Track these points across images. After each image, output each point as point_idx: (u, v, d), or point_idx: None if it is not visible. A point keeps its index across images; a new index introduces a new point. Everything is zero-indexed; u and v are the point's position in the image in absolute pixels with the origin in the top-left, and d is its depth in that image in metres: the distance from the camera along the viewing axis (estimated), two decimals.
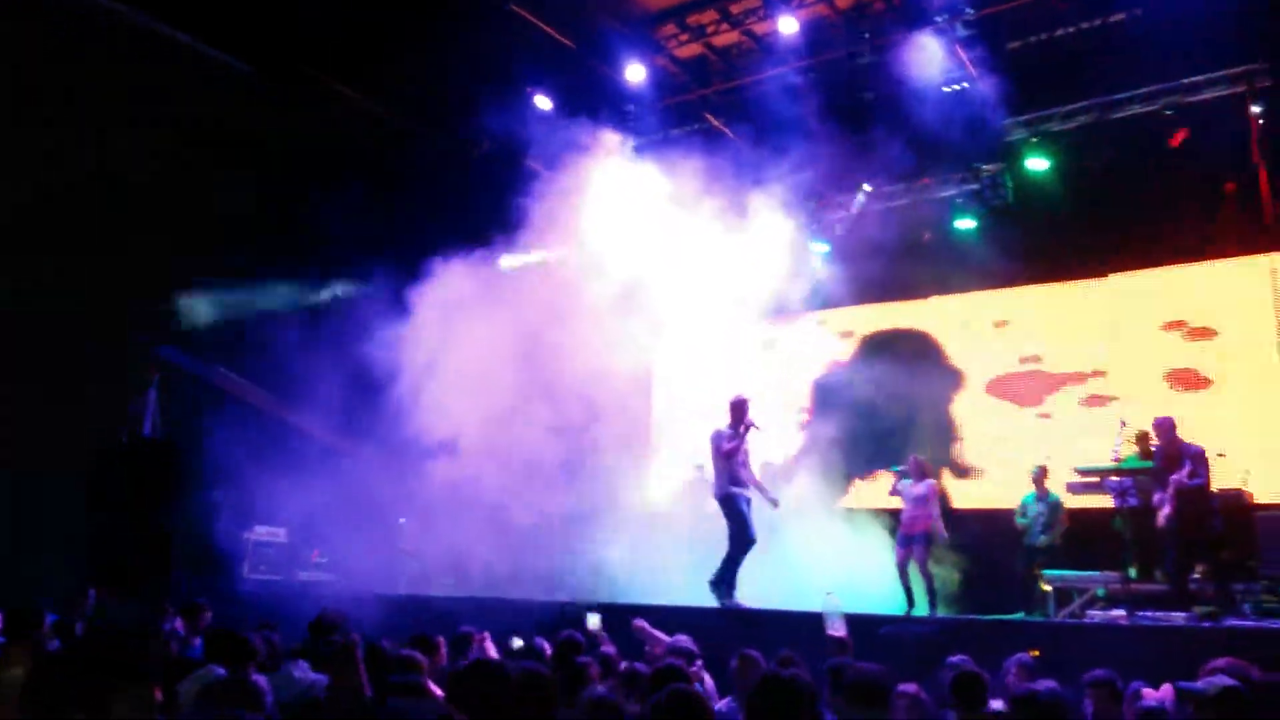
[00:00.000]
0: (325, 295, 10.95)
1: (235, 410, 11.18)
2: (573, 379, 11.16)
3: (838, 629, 5.27)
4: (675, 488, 12.87)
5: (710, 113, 13.53)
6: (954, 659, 4.62)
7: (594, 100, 12.47)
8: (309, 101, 12.76)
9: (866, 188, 12.89)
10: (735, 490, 8.84)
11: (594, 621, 6.79)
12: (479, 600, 9.49)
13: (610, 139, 12.06)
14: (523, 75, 12.55)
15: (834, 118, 12.24)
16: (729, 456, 8.83)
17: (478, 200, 12.60)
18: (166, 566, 10.75)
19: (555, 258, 12.09)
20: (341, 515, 10.85)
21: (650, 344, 12.37)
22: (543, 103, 12.84)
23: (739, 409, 9.01)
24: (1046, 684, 4.81)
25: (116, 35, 11.24)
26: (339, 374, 10.92)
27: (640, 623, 6.49)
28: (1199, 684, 3.68)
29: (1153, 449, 8.64)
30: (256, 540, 11.54)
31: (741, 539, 8.73)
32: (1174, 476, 7.92)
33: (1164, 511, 8.00)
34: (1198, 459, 7.99)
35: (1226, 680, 3.64)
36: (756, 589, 8.95)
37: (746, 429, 8.91)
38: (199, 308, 11.97)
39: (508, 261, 12.33)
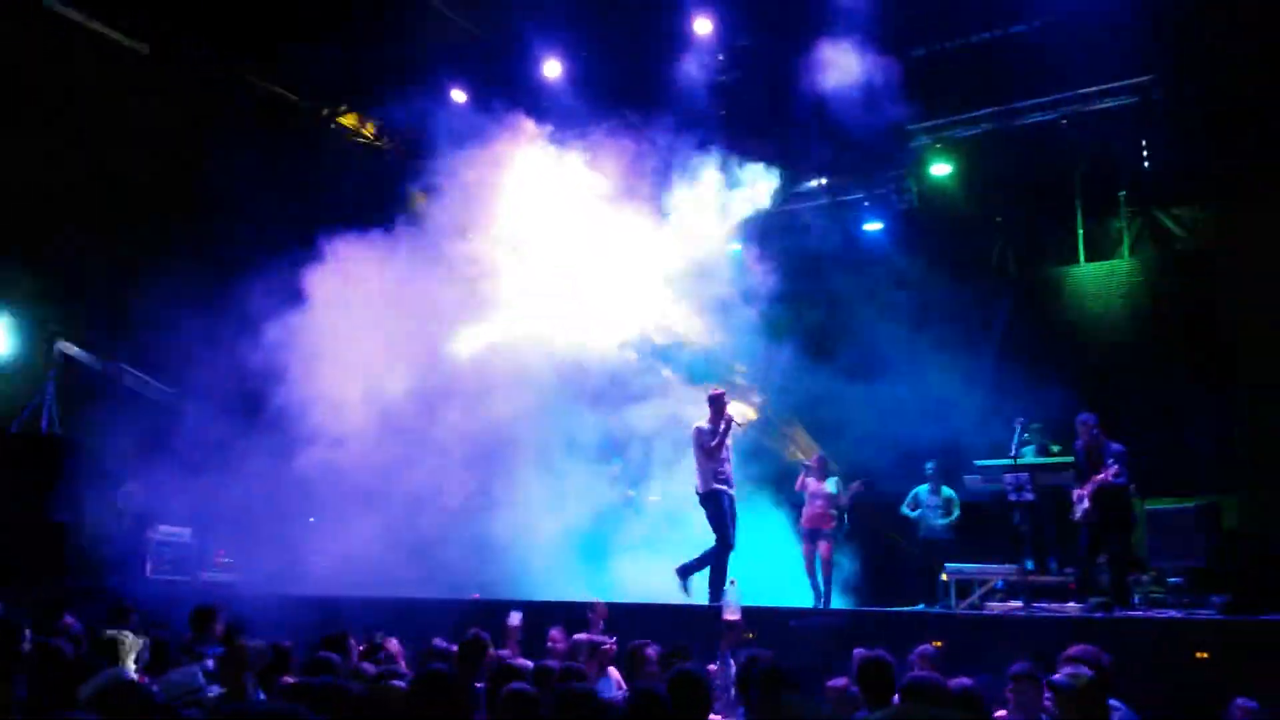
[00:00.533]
0: (226, 284, 10.61)
1: (138, 406, 10.83)
2: (482, 367, 11.11)
3: (733, 613, 5.36)
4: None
5: (628, 110, 13.55)
6: (860, 650, 4.74)
7: (511, 94, 12.40)
8: (213, 85, 12.44)
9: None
10: (719, 487, 8.57)
11: (515, 619, 6.79)
12: (390, 600, 9.39)
13: (526, 131, 12.01)
14: (438, 67, 12.41)
15: (747, 120, 12.43)
16: (712, 454, 8.58)
17: (385, 187, 12.42)
18: (59, 563, 10.39)
19: (468, 245, 12.01)
20: (247, 514, 10.59)
21: (564, 334, 12.38)
22: (458, 95, 12.75)
23: (718, 403, 8.77)
24: (960, 681, 4.95)
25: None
26: (243, 367, 10.67)
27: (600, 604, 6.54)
28: (1059, 677, 3.77)
29: (1075, 445, 8.85)
30: (159, 540, 11.18)
31: (721, 540, 8.48)
32: (1098, 476, 8.13)
33: (1082, 506, 8.24)
34: (1120, 457, 8.23)
35: (1086, 671, 3.76)
36: (663, 582, 8.99)
37: (728, 425, 8.67)
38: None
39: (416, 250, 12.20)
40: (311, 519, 11.63)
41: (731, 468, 8.76)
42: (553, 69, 12.60)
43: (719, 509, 8.51)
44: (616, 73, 12.46)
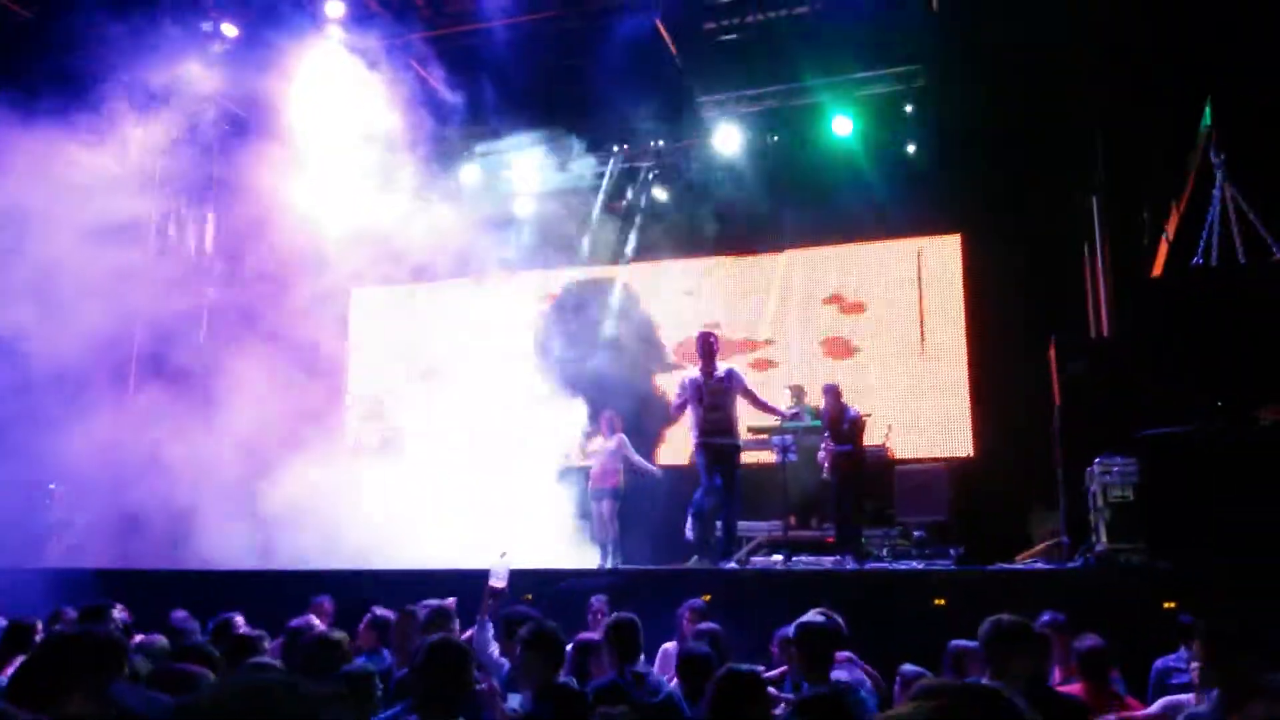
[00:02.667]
0: None
1: None
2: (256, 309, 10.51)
3: (499, 580, 5.36)
4: (376, 438, 12.52)
5: (416, 60, 13.08)
6: (620, 615, 4.84)
7: (287, 32, 11.66)
8: None
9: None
10: (700, 439, 8.09)
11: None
12: (149, 573, 8.80)
13: (303, 72, 11.39)
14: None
15: (539, 79, 12.28)
16: (700, 402, 8.09)
17: None
18: None
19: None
20: None
21: (342, 286, 11.92)
22: (228, 30, 11.87)
23: (703, 343, 8.28)
24: (708, 625, 5.17)
25: None
26: None
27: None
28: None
29: (819, 410, 9.55)
30: None
31: (707, 491, 8.03)
32: (827, 438, 8.85)
33: (824, 466, 8.93)
34: (854, 423, 8.95)
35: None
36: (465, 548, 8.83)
37: (706, 369, 8.15)
38: None
39: None
40: (52, 485, 10.66)
41: (725, 413, 8.16)
42: (335, 9, 11.94)
43: (700, 464, 8.13)
44: (403, 20, 11.99)
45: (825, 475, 8.98)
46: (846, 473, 8.75)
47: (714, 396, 8.08)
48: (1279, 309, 7.47)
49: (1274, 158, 8.49)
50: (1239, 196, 8.38)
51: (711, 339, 8.37)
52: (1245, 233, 8.32)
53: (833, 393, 9.11)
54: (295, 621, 5.61)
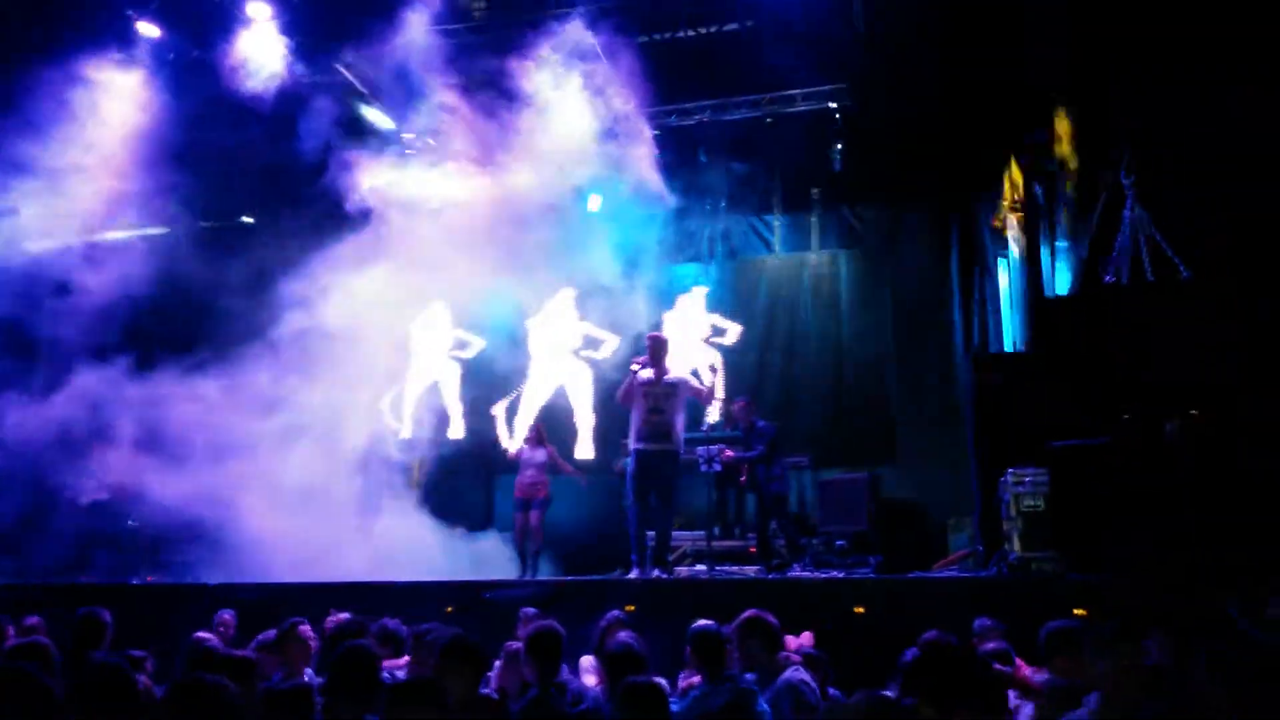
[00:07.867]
0: None
1: None
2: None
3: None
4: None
5: (344, 66, 12.90)
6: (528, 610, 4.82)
7: (210, 33, 11.44)
8: None
9: None
10: (638, 445, 7.89)
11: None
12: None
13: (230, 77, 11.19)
14: None
15: (471, 90, 12.21)
16: (625, 403, 7.99)
17: None
18: None
19: None
20: None
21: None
22: (147, 29, 11.56)
23: (652, 346, 8.12)
24: (624, 635, 5.16)
25: None
26: None
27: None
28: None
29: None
30: None
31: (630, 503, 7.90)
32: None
33: (743, 478, 9.08)
34: (763, 435, 9.14)
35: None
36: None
37: (640, 373, 7.97)
38: None
39: None
40: None
41: (667, 417, 7.93)
42: (259, 10, 11.71)
43: (632, 468, 7.98)
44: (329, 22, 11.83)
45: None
46: (756, 480, 9.04)
47: (658, 399, 7.95)
48: (1184, 325, 7.78)
49: (1180, 181, 8.85)
50: (1148, 218, 8.71)
51: (662, 341, 8.34)
52: (1154, 253, 8.65)
53: (743, 405, 9.30)
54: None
